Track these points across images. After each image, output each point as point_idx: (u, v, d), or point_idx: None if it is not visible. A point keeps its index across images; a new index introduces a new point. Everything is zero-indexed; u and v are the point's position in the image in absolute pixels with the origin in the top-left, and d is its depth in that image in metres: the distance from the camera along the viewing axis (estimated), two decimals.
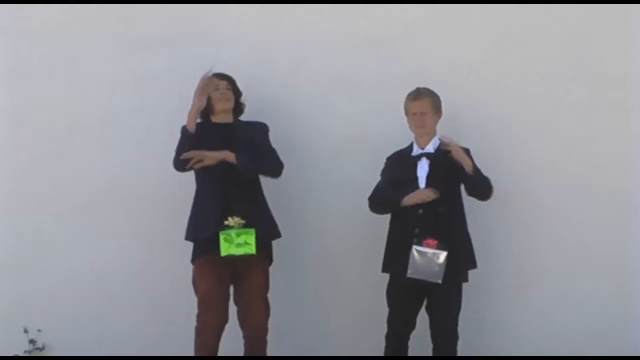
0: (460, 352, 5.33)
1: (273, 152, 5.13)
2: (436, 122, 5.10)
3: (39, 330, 5.67)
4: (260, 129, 5.18)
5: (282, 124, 5.34)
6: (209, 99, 5.08)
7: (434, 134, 5.09)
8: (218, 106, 5.11)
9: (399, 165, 5.09)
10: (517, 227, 5.51)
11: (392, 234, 5.06)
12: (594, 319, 5.48)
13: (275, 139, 5.23)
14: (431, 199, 4.88)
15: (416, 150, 5.08)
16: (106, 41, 5.64)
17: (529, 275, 5.54)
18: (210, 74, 5.04)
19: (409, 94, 5.08)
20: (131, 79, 5.60)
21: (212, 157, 4.97)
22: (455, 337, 4.99)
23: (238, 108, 5.21)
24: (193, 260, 5.06)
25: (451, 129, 5.33)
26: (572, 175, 5.52)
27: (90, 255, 5.66)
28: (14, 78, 5.70)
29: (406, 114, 5.10)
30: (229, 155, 4.97)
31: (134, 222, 5.58)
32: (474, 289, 5.48)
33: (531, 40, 5.52)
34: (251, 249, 4.86)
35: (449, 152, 4.95)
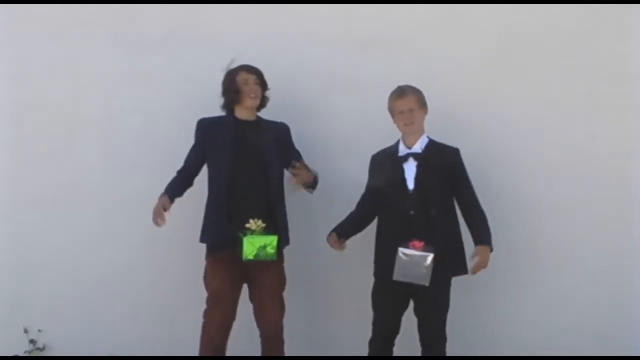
0: (460, 353, 5.34)
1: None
2: (423, 119, 5.00)
3: (39, 331, 5.68)
4: (284, 130, 5.19)
5: None
6: (238, 91, 5.07)
7: (422, 132, 4.99)
8: (247, 102, 5.10)
9: (385, 166, 4.99)
10: (517, 227, 5.51)
11: (381, 236, 4.98)
12: (593, 319, 5.48)
13: None
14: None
15: (403, 150, 4.97)
16: (106, 41, 5.64)
17: (528, 276, 5.54)
18: (230, 66, 5.10)
19: (392, 94, 5.00)
20: (131, 78, 5.60)
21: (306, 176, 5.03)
22: (444, 339, 4.90)
23: (262, 102, 5.19)
24: (207, 256, 5.02)
25: (451, 128, 5.34)
26: (572, 175, 5.52)
27: (90, 255, 5.66)
28: (14, 78, 5.70)
29: (392, 114, 5.01)
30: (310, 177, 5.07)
31: (134, 222, 5.57)
32: (474, 289, 5.49)
33: (531, 40, 5.52)
34: (273, 255, 4.83)
35: (439, 151, 4.92)
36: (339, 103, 5.53)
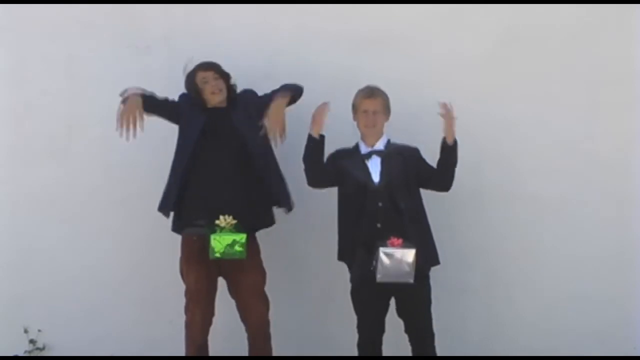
0: (458, 353, 5.34)
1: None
2: (384, 123, 4.97)
3: (39, 331, 5.68)
4: (250, 94, 5.18)
5: None
6: (199, 92, 5.08)
7: (382, 134, 4.97)
8: (212, 100, 5.11)
9: (348, 160, 4.92)
10: (517, 227, 5.51)
11: (350, 227, 4.83)
12: (594, 319, 5.48)
13: None
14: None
15: (365, 149, 4.94)
16: (106, 41, 5.65)
17: (528, 276, 5.54)
18: (187, 68, 5.10)
19: (362, 91, 4.98)
20: (131, 79, 5.60)
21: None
22: (433, 334, 4.82)
23: (231, 91, 5.18)
24: (176, 231, 5.07)
25: None
26: (572, 175, 5.52)
27: (90, 255, 5.67)
28: (14, 78, 5.70)
29: (355, 111, 5.00)
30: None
31: (134, 221, 5.58)
32: (474, 289, 5.50)
33: (531, 40, 5.52)
34: (242, 254, 4.80)
35: (401, 149, 4.86)
36: (339, 103, 5.52)
